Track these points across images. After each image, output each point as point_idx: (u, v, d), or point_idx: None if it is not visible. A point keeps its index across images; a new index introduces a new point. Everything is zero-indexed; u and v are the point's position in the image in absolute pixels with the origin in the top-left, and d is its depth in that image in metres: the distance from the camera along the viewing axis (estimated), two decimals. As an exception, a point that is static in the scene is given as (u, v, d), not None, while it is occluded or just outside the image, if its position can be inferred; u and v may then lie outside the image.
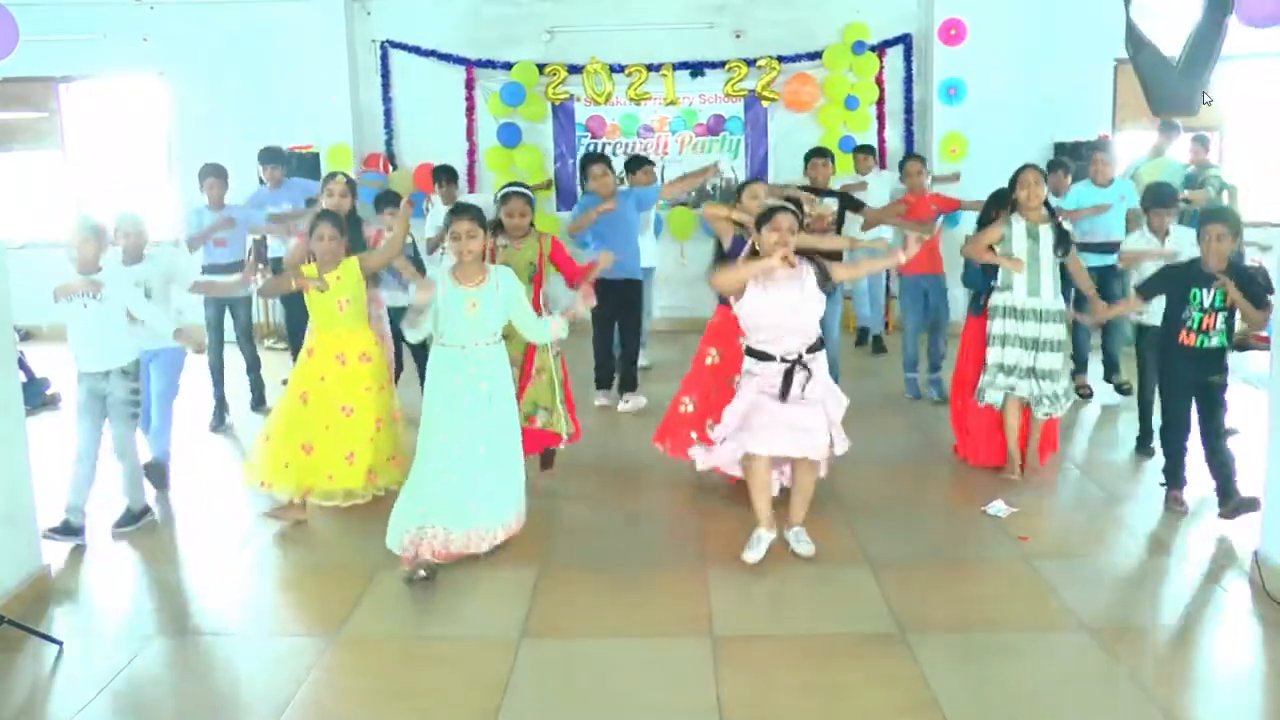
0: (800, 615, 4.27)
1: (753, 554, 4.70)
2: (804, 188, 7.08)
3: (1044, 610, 4.28)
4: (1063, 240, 5.57)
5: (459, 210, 4.80)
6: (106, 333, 5.06)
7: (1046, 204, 5.65)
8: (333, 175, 6.44)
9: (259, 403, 7.63)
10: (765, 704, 3.58)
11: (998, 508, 5.28)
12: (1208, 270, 4.98)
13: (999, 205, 5.91)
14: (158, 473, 5.96)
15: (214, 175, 7.42)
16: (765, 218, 4.59)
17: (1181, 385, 5.14)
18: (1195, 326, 5.05)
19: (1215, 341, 5.04)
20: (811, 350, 4.65)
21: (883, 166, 9.86)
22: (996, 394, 5.68)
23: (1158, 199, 6.21)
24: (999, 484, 5.63)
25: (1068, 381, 5.73)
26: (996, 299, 5.66)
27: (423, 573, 4.57)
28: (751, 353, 4.71)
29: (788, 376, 4.56)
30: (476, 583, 4.60)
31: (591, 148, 10.40)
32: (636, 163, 7.95)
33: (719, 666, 3.80)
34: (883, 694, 3.62)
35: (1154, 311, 5.76)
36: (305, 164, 9.87)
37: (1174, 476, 5.29)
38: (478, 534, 4.73)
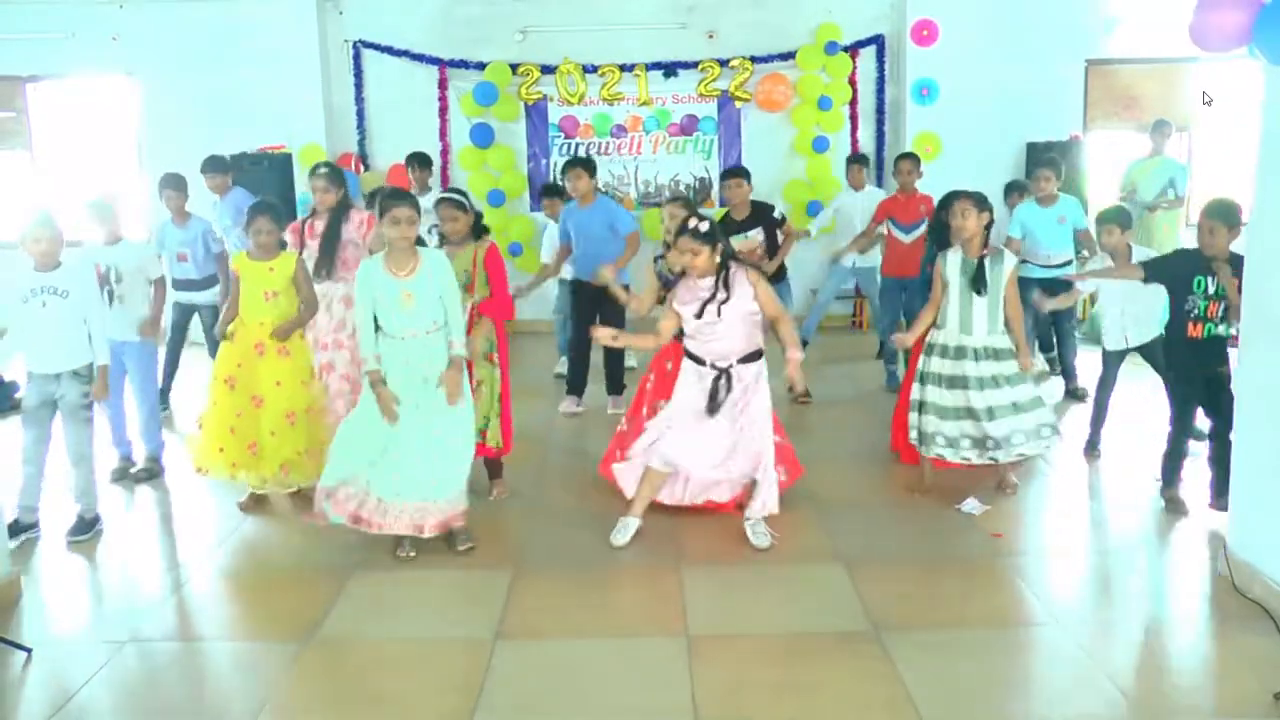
0: (774, 614, 4.28)
1: (620, 537, 4.89)
2: (723, 219, 6.91)
3: (1017, 606, 4.31)
4: (979, 278, 5.20)
5: (396, 196, 4.73)
6: (62, 333, 4.97)
7: (988, 231, 5.34)
8: (314, 169, 6.09)
9: None
10: (739, 703, 3.58)
11: (971, 505, 5.31)
12: (1211, 257, 5.00)
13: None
14: (150, 470, 6.05)
15: (171, 187, 7.28)
16: (675, 239, 4.71)
17: (1193, 381, 5.13)
18: (1202, 314, 5.03)
19: (1221, 330, 5.04)
20: (746, 360, 4.75)
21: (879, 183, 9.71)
22: (940, 449, 5.40)
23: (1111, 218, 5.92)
24: (972, 482, 5.65)
25: (1032, 420, 5.26)
26: (932, 335, 5.42)
27: (412, 553, 4.76)
28: (688, 354, 4.86)
29: (715, 385, 4.69)
30: (450, 584, 4.59)
31: (565, 148, 10.39)
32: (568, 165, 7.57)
33: (693, 665, 3.80)
34: (857, 691, 3.63)
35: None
36: (277, 164, 9.84)
37: (1173, 475, 5.24)
38: (415, 508, 4.73)
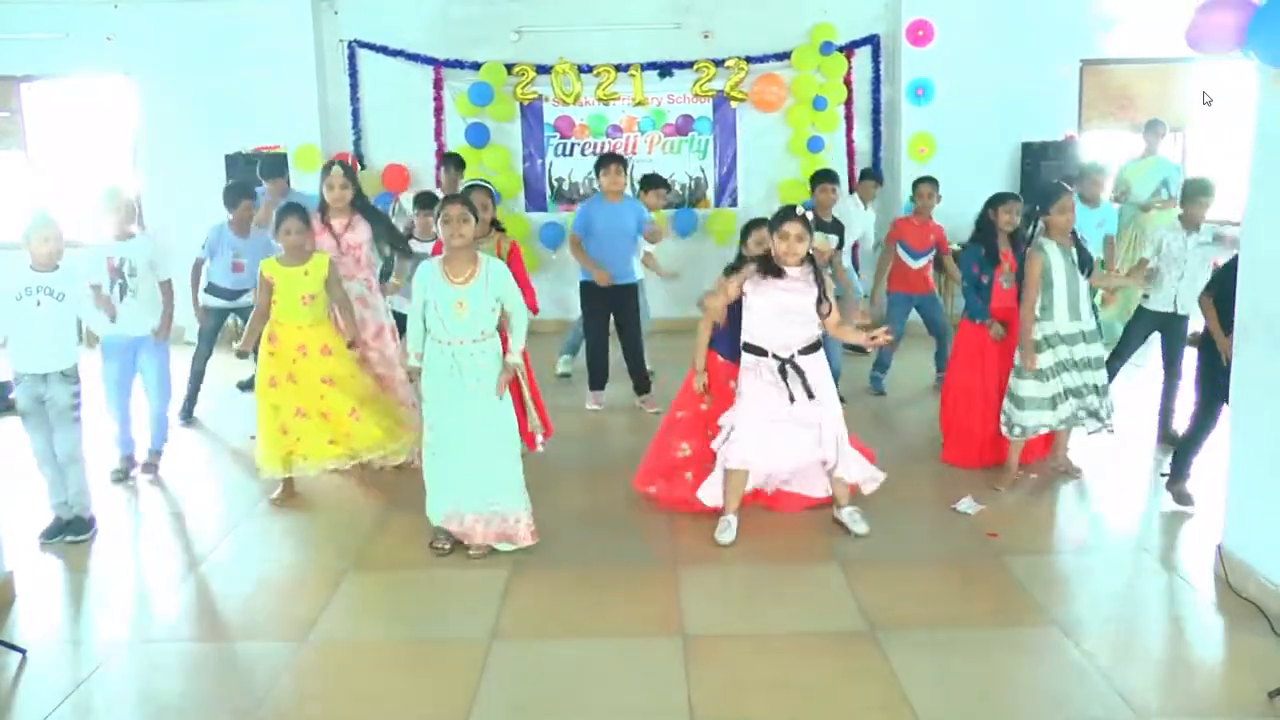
0: (770, 614, 4.28)
1: (725, 535, 4.93)
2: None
3: (1013, 606, 4.31)
4: (1086, 261, 5.53)
5: (449, 197, 4.80)
6: (54, 334, 4.94)
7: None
8: (329, 166, 6.01)
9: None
10: (736, 703, 3.58)
11: (967, 505, 5.32)
12: None
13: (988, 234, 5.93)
14: (153, 464, 6.15)
15: (247, 196, 7.32)
16: (776, 224, 4.79)
17: (1225, 386, 4.98)
18: None
19: None
20: (806, 351, 4.83)
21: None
22: (1050, 416, 5.55)
23: (1199, 190, 6.11)
24: (968, 482, 5.66)
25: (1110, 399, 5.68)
26: (1039, 329, 5.47)
27: (446, 545, 4.83)
28: (748, 348, 4.90)
29: (783, 373, 4.77)
30: (446, 584, 4.58)
31: (560, 148, 10.40)
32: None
33: (690, 666, 3.80)
34: (853, 691, 3.63)
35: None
36: (273, 164, 9.81)
37: (1183, 470, 5.24)
38: (499, 517, 4.78)
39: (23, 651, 3.97)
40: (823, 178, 7.52)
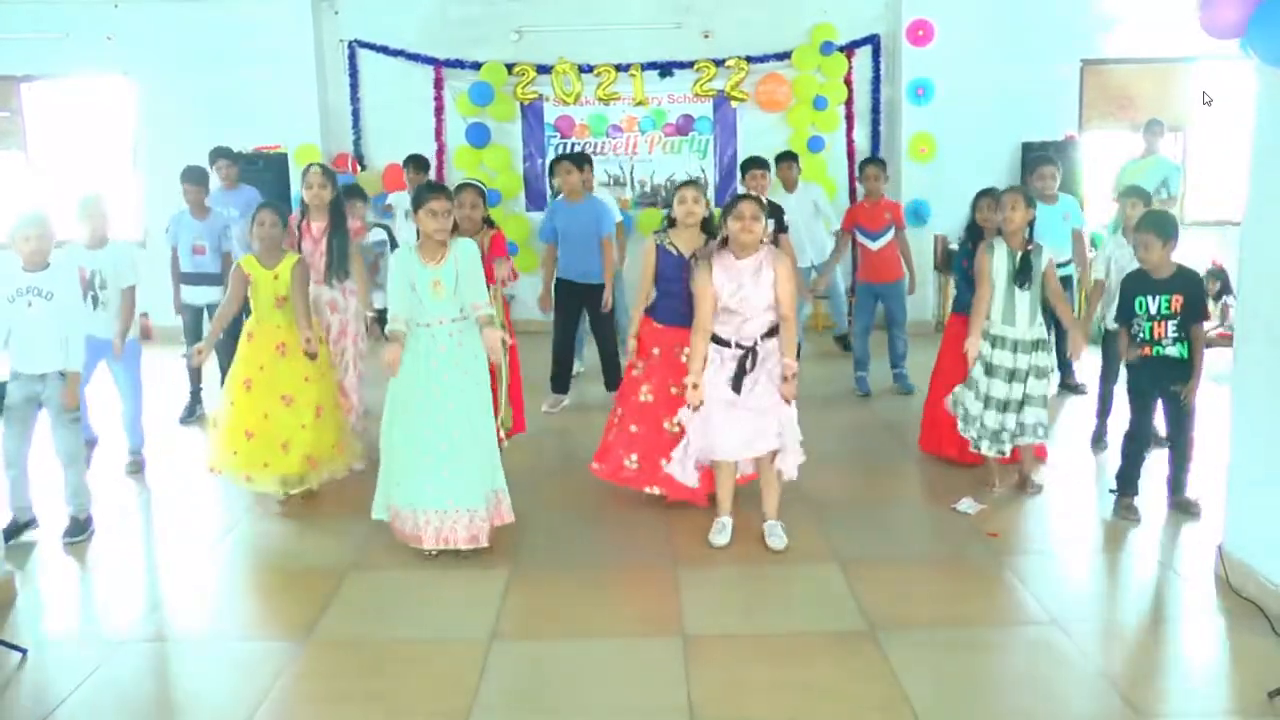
0: (770, 613, 4.28)
1: (720, 538, 4.91)
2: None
3: (1013, 606, 4.31)
4: (1026, 273, 5.32)
5: (432, 188, 4.83)
6: (48, 335, 4.93)
7: (1030, 226, 5.43)
8: (308, 168, 6.06)
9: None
10: (736, 703, 3.58)
11: (967, 505, 5.32)
12: (1153, 277, 5.01)
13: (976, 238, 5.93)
14: (135, 464, 6.16)
15: (191, 180, 7.28)
16: (730, 207, 4.75)
17: (1146, 397, 5.12)
18: (1148, 336, 5.01)
19: (1173, 351, 4.97)
20: (767, 336, 4.78)
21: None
22: (970, 431, 5.51)
23: (1131, 194, 6.16)
24: (968, 481, 5.66)
25: (1036, 416, 5.42)
26: (984, 325, 5.48)
27: (432, 551, 4.74)
28: (714, 339, 4.84)
29: (741, 364, 4.72)
30: (446, 584, 4.58)
31: (560, 147, 10.41)
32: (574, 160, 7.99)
33: (689, 665, 3.80)
34: (853, 691, 3.63)
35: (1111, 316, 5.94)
36: (273, 164, 9.83)
37: (1128, 484, 5.21)
38: (450, 515, 4.71)
39: (23, 651, 3.97)
40: (750, 165, 7.60)
